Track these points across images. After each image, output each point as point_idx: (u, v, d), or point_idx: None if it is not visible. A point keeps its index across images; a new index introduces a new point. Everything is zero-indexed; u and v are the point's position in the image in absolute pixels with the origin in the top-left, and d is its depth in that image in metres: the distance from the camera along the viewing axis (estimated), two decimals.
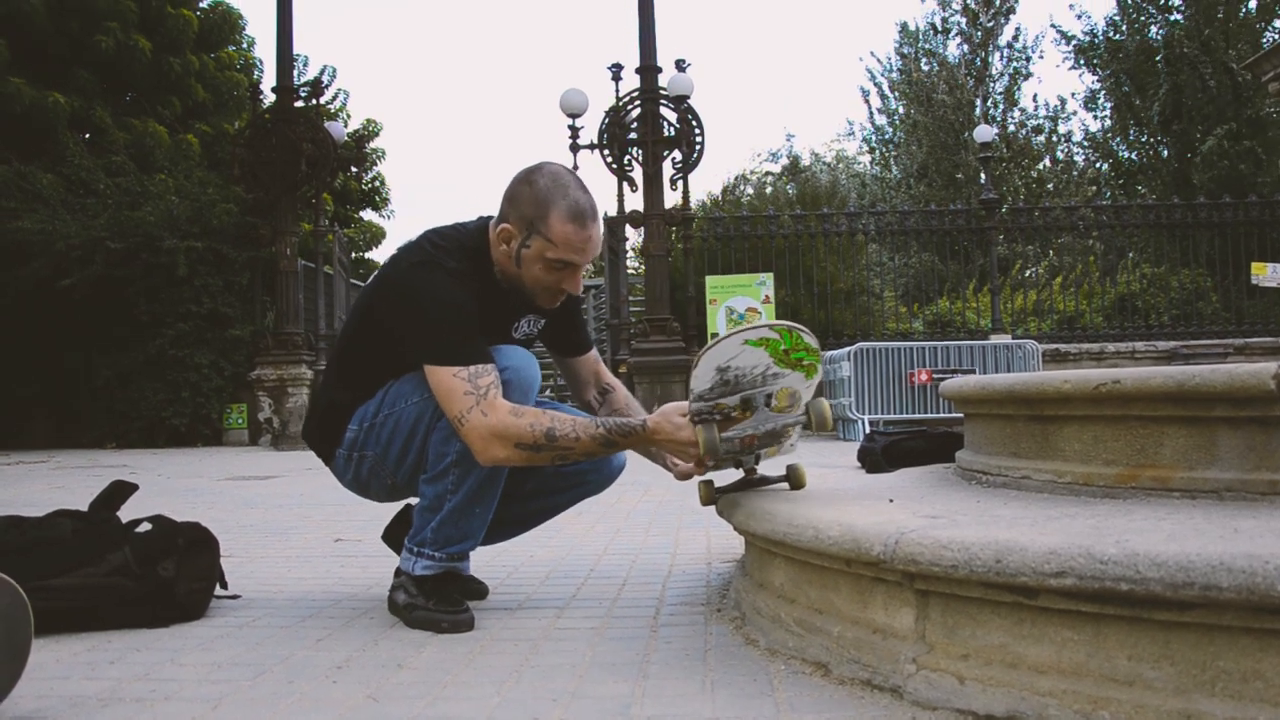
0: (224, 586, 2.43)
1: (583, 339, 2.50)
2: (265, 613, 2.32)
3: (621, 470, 2.38)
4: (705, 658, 1.82)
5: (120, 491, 2.39)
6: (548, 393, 9.76)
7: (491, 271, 2.18)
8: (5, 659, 1.52)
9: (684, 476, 2.25)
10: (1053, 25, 21.86)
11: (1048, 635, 1.40)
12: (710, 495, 2.16)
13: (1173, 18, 18.34)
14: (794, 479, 2.19)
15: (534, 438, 1.95)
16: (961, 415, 2.47)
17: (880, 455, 4.11)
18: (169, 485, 6.33)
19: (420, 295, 2.06)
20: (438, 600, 2.13)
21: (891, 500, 2.01)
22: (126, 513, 2.37)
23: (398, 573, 2.27)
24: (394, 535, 2.48)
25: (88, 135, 13.53)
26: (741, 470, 2.18)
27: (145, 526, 2.32)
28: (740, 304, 10.86)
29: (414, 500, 2.35)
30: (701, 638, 1.98)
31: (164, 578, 2.21)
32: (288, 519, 4.28)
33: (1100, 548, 1.31)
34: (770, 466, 2.21)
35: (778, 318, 11.16)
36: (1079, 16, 29.25)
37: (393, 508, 2.48)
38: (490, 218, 2.20)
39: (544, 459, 2.00)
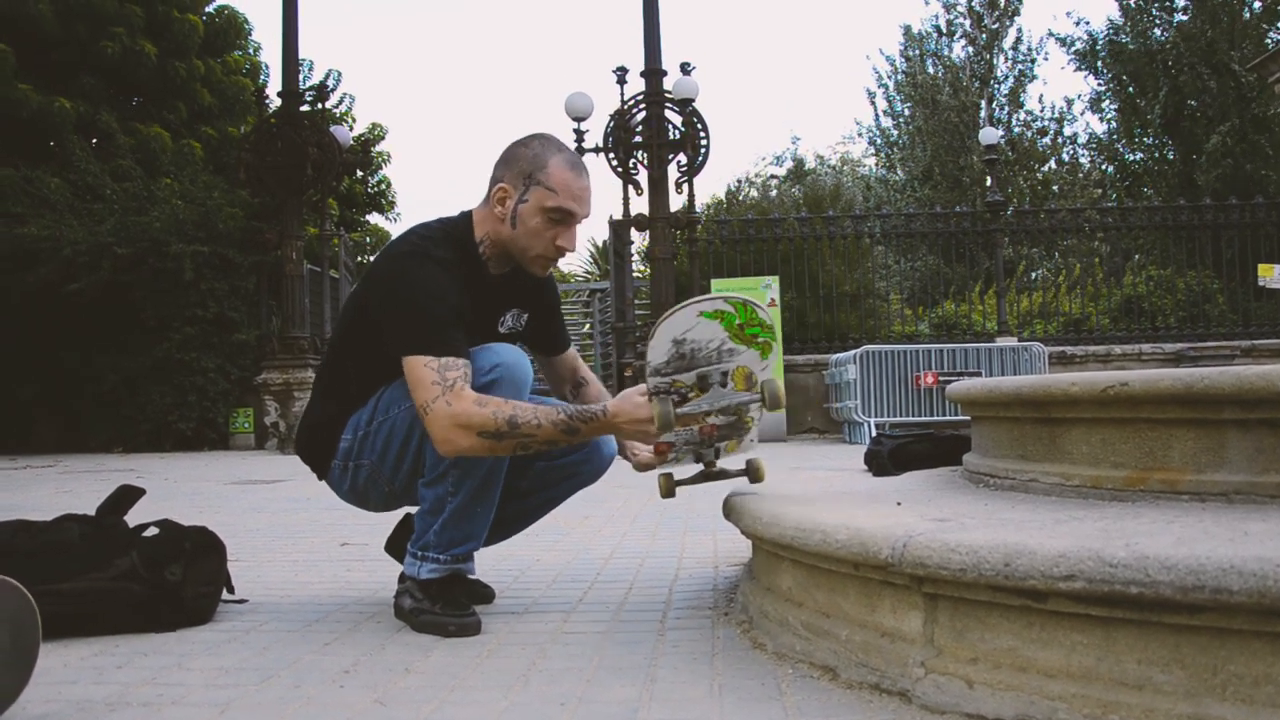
0: (231, 591, 2.43)
1: (563, 337, 2.51)
2: (272, 617, 2.32)
3: (613, 458, 2.37)
4: (713, 662, 1.82)
5: (127, 496, 2.39)
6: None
7: (478, 260, 2.19)
8: (13, 663, 1.53)
9: (642, 467, 2.26)
10: (1050, 34, 21.76)
11: (1057, 639, 1.40)
12: (670, 487, 2.18)
13: (1176, 19, 18.31)
14: (753, 472, 2.21)
15: (496, 425, 1.94)
16: (968, 418, 2.46)
17: (887, 458, 4.10)
18: (175, 489, 6.34)
19: (404, 285, 2.07)
20: (444, 604, 2.13)
21: (899, 503, 2.01)
22: (134, 517, 2.37)
23: (402, 578, 2.27)
24: (397, 544, 2.48)
25: (94, 140, 13.56)
26: (701, 464, 2.19)
27: (152, 531, 2.32)
28: None
29: (413, 509, 2.35)
30: (709, 641, 1.97)
31: (171, 582, 2.22)
32: (294, 523, 4.29)
33: (1110, 551, 1.31)
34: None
35: (783, 321, 11.16)
36: (1077, 23, 29.16)
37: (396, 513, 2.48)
38: (471, 211, 2.23)
39: (506, 448, 1.99)
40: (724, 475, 2.21)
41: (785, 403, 2.03)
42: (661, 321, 1.89)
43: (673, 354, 1.93)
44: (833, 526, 1.71)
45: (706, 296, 1.91)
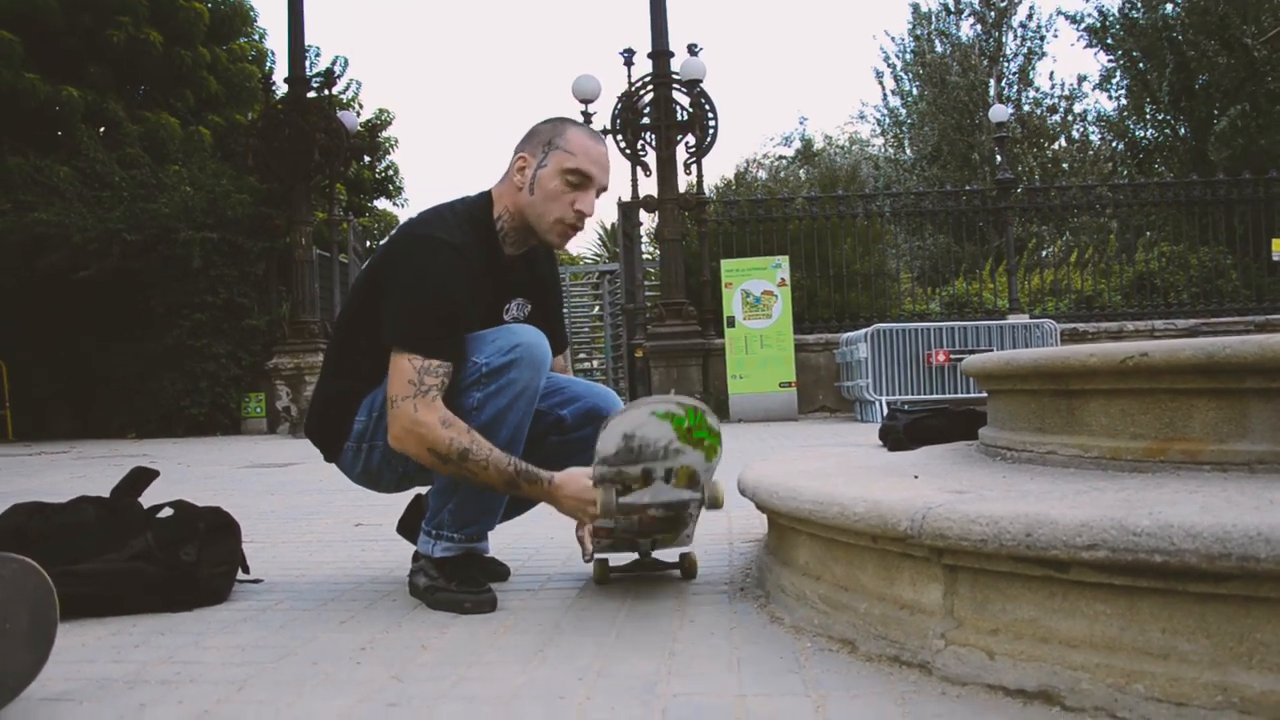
0: (246, 571, 2.43)
1: (562, 335, 2.51)
2: (288, 596, 2.32)
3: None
4: (731, 635, 1.81)
5: (142, 478, 2.39)
6: None
7: (494, 240, 2.19)
8: (32, 642, 1.53)
9: (588, 556, 2.29)
10: (1060, 11, 21.59)
11: (1080, 609, 1.38)
12: (604, 574, 2.32)
13: None
14: (686, 566, 2.33)
15: (448, 450, 1.99)
16: (982, 394, 2.44)
17: (902, 433, 4.08)
18: (189, 473, 6.36)
19: (413, 274, 2.06)
20: (460, 581, 2.13)
21: (916, 476, 1.99)
22: (148, 499, 2.37)
23: (416, 557, 2.27)
24: (408, 525, 2.48)
25: (102, 129, 13.56)
26: (636, 553, 2.31)
27: (167, 512, 2.32)
28: (756, 287, 10.80)
29: (424, 489, 2.34)
30: (726, 616, 1.97)
31: (186, 562, 2.22)
32: (308, 504, 4.30)
33: (1133, 520, 1.29)
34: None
35: (794, 300, 11.11)
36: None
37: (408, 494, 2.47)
38: (490, 190, 2.24)
39: (447, 470, 2.03)
40: (659, 566, 2.34)
41: (724, 505, 2.11)
42: (615, 416, 1.94)
43: (621, 447, 1.97)
44: (850, 499, 1.70)
45: (659, 398, 1.97)
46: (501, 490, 2.07)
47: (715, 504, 2.09)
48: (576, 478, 2.04)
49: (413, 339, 2.02)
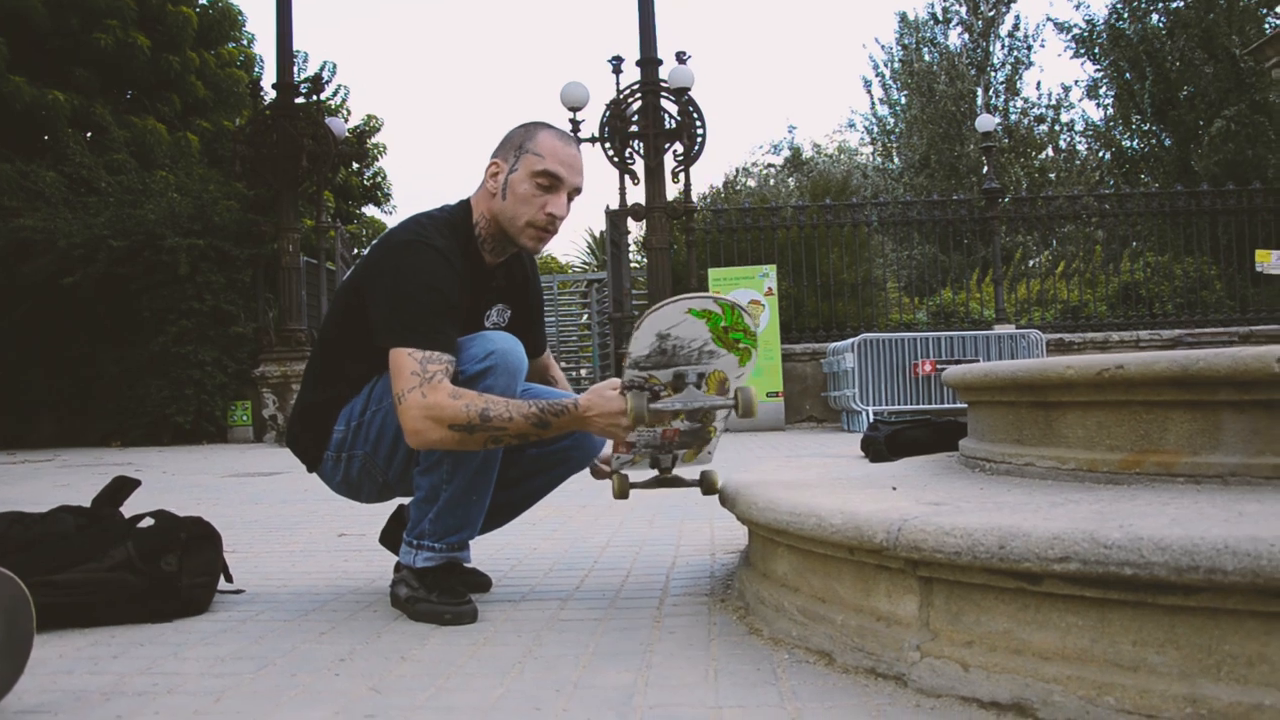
0: (229, 580, 2.42)
1: (541, 340, 2.52)
2: (269, 607, 2.32)
3: (603, 445, 2.37)
4: (709, 647, 1.82)
5: (123, 487, 2.39)
6: None
7: (475, 247, 2.20)
8: (8, 654, 1.52)
9: (599, 474, 2.28)
10: (1049, 19, 21.70)
11: (1052, 621, 1.39)
12: (624, 489, 2.17)
13: (1174, 4, 18.27)
14: (707, 484, 2.22)
15: (468, 418, 1.93)
16: (965, 405, 2.46)
17: (884, 444, 4.09)
18: (173, 482, 6.34)
19: (399, 274, 2.06)
20: (440, 592, 2.13)
21: (894, 488, 2.01)
22: (130, 509, 2.36)
23: (398, 567, 2.27)
24: (391, 536, 2.48)
25: (88, 133, 13.52)
26: (657, 469, 2.22)
27: (148, 522, 2.32)
28: (743, 296, 10.82)
29: (405, 500, 2.34)
30: (705, 627, 1.97)
31: (167, 572, 2.21)
32: (292, 514, 4.29)
33: (1104, 532, 1.30)
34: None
35: (781, 309, 11.14)
36: (1077, 6, 29.19)
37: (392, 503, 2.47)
38: (469, 198, 2.24)
39: (477, 441, 1.98)
40: (679, 483, 2.21)
41: (757, 413, 2.03)
42: (649, 314, 1.89)
43: (655, 348, 1.92)
44: (828, 511, 1.71)
45: (697, 294, 1.91)
46: (534, 436, 2.02)
47: (749, 411, 1.96)
48: (601, 391, 2.00)
49: (408, 334, 2.00)
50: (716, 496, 2.28)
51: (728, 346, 1.97)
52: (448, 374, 1.98)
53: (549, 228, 2.18)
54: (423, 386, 1.95)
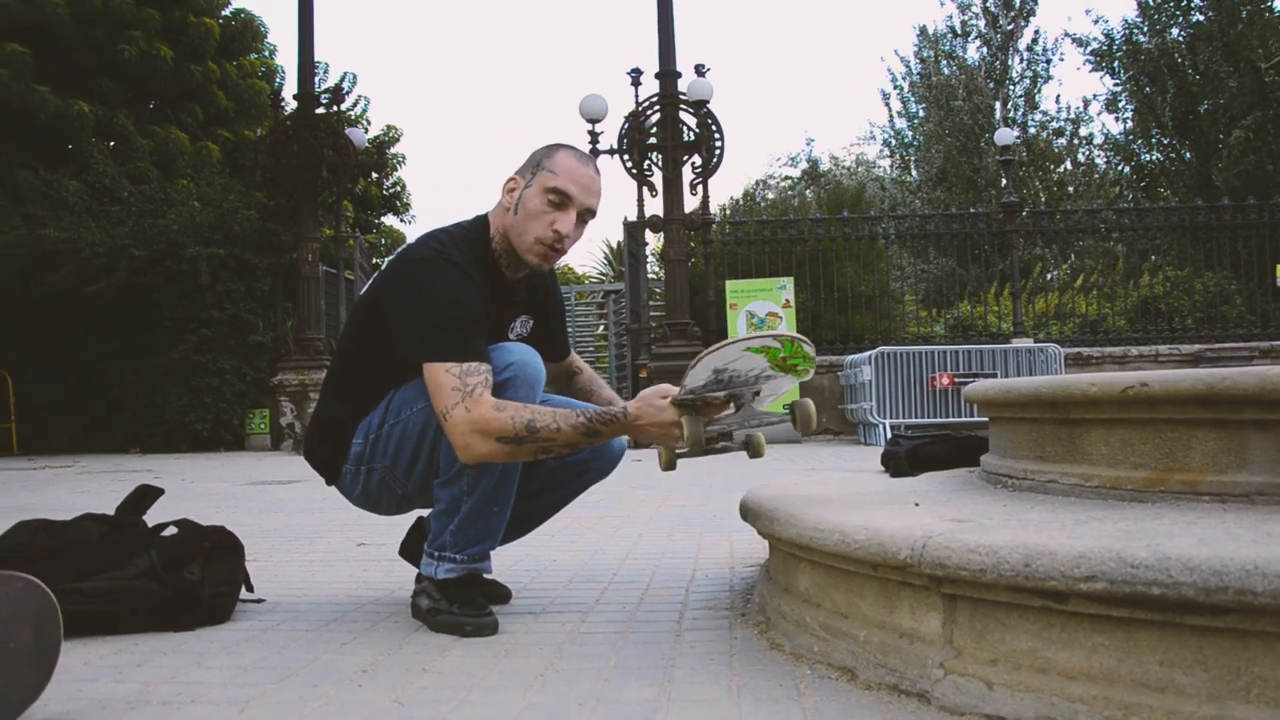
0: (250, 590, 2.44)
1: (565, 344, 2.52)
2: (290, 616, 2.33)
3: (622, 455, 2.37)
4: (730, 662, 1.82)
5: (146, 496, 2.41)
6: None
7: (493, 262, 2.20)
8: (35, 661, 1.54)
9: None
10: (1067, 34, 21.63)
11: (1078, 640, 1.39)
12: (671, 460, 2.12)
13: (1195, 19, 18.21)
14: (753, 447, 2.12)
15: (515, 430, 1.93)
16: (985, 419, 2.45)
17: (904, 459, 4.08)
18: (192, 490, 6.37)
19: (423, 290, 2.06)
20: (461, 604, 2.13)
21: (917, 504, 2.00)
22: (152, 517, 2.38)
23: (419, 579, 2.27)
24: (411, 548, 2.49)
25: (111, 143, 13.65)
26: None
27: (171, 530, 2.33)
28: (761, 308, 10.83)
29: (424, 512, 2.34)
30: (726, 642, 1.97)
31: (190, 581, 2.23)
32: (311, 523, 4.30)
33: (1131, 551, 1.30)
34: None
35: (798, 322, 11.13)
36: (1096, 21, 29.12)
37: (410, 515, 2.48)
38: (486, 214, 2.25)
39: (526, 452, 1.97)
40: (726, 449, 2.13)
41: (816, 425, 2.02)
42: (707, 354, 1.87)
43: (710, 380, 1.92)
44: (851, 527, 1.71)
45: (756, 334, 1.91)
46: (584, 445, 2.02)
47: (808, 425, 1.97)
48: (651, 401, 1.98)
49: (441, 349, 2.00)
50: (739, 509, 2.25)
51: (785, 371, 1.97)
52: (488, 385, 1.98)
53: (555, 245, 2.15)
54: (465, 401, 1.94)
